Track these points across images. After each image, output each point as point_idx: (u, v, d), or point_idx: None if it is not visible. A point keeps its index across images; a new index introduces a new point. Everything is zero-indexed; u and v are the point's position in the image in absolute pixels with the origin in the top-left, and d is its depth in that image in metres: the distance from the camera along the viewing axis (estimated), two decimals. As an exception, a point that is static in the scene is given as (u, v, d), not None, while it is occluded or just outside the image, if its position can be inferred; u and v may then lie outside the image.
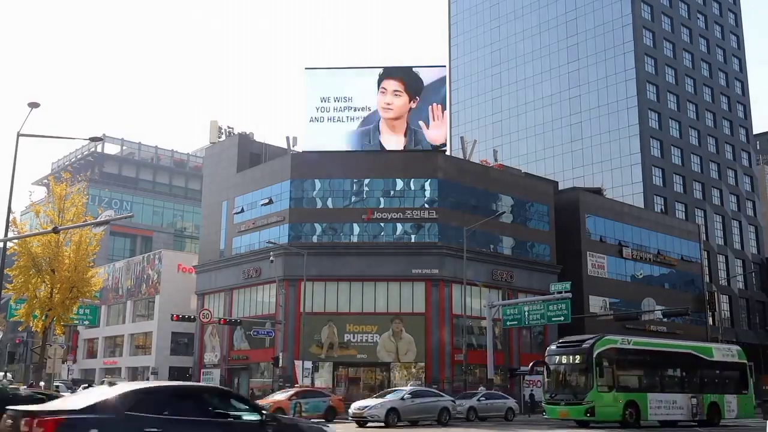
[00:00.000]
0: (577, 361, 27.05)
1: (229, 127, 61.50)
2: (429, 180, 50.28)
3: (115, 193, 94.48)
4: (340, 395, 39.15)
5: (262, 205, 52.04)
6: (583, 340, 27.69)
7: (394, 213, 49.66)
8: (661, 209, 70.18)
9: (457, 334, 47.67)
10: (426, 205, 49.89)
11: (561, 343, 29.19)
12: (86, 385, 44.67)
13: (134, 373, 65.54)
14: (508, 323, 43.87)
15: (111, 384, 13.78)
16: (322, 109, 52.58)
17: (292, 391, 32.89)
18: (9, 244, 31.04)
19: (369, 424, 28.21)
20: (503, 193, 53.94)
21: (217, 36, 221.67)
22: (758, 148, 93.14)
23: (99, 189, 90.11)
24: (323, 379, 47.19)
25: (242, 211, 54.56)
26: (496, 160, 62.44)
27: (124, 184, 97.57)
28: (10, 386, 26.90)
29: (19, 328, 64.05)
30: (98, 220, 41.57)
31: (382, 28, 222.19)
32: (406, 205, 49.84)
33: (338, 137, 52.19)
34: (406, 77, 52.52)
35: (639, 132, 70.64)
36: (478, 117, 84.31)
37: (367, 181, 50.43)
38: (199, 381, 53.83)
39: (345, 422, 29.58)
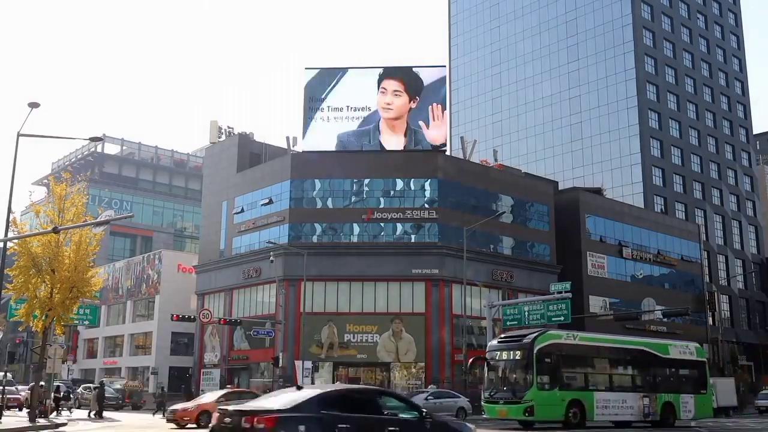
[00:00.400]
0: (517, 357, 25.46)
1: (229, 127, 61.52)
2: (429, 180, 50.28)
3: (115, 193, 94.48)
4: None
5: (262, 205, 52.05)
6: (524, 335, 26.34)
7: (394, 213, 49.66)
8: (661, 209, 70.18)
9: (457, 334, 47.68)
10: (426, 205, 49.90)
11: (502, 338, 27.72)
12: (87, 385, 44.70)
13: (134, 374, 65.54)
14: (508, 323, 43.77)
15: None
16: (322, 109, 52.64)
17: (221, 393, 30.75)
18: (9, 244, 31.02)
19: None
20: (503, 193, 53.95)
21: (217, 36, 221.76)
22: (758, 148, 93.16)
23: (99, 189, 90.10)
24: (323, 379, 47.20)
25: (242, 211, 54.58)
26: (496, 160, 62.43)
27: (124, 184, 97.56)
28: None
29: (19, 328, 64.04)
30: (98, 220, 41.55)
31: (382, 28, 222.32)
32: (406, 205, 49.85)
33: (338, 137, 52.22)
34: (406, 77, 52.54)
35: (639, 132, 70.65)
36: (478, 117, 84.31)
37: (367, 181, 50.43)
38: (199, 381, 53.86)
39: None
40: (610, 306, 58.11)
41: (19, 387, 44.78)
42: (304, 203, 50.57)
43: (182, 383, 55.80)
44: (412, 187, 50.28)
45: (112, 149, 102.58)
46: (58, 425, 28.31)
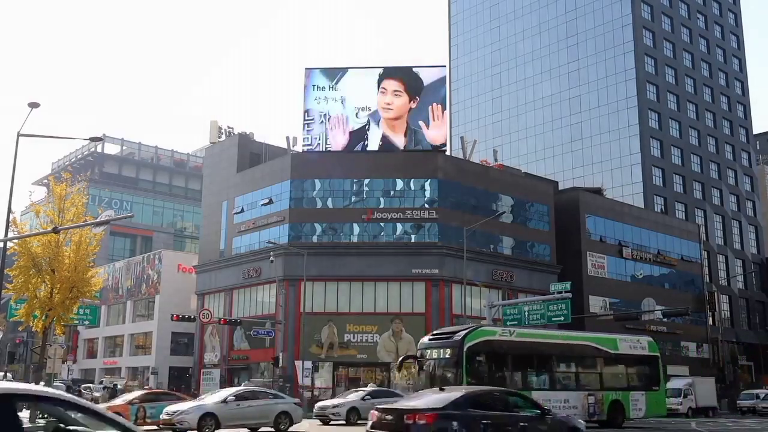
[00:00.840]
0: (446, 356, 23.68)
1: (229, 127, 61.54)
2: (429, 180, 50.28)
3: (115, 193, 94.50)
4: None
5: (262, 205, 52.06)
6: (456, 332, 24.60)
7: (394, 213, 49.66)
8: (661, 209, 70.17)
9: (457, 334, 47.64)
10: (426, 205, 49.90)
11: (434, 335, 25.76)
12: (87, 385, 44.71)
13: (134, 374, 65.54)
14: (508, 323, 43.64)
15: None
16: (322, 109, 52.74)
17: (136, 394, 28.77)
18: (9, 244, 31.02)
19: None
20: (503, 193, 53.95)
21: (218, 36, 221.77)
22: (758, 148, 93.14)
23: (99, 189, 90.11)
24: (323, 379, 47.21)
25: (242, 211, 54.58)
26: (496, 160, 62.43)
27: (124, 184, 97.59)
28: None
29: (19, 328, 64.08)
30: (98, 220, 41.55)
31: (382, 28, 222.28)
32: (406, 205, 49.86)
33: (338, 137, 52.28)
34: (406, 77, 52.58)
35: (639, 132, 70.64)
36: (478, 117, 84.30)
37: (367, 181, 50.44)
38: (198, 381, 53.86)
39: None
40: (610, 306, 58.10)
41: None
42: (304, 203, 50.57)
43: (182, 383, 55.81)
44: (412, 187, 50.28)
45: (112, 149, 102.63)
46: None
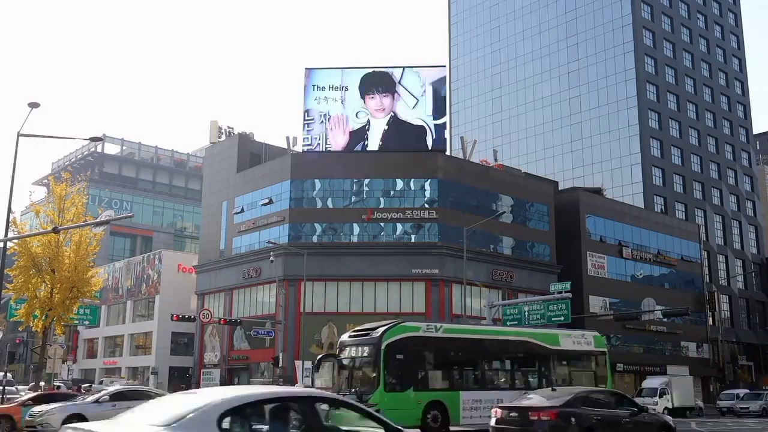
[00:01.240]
0: (365, 354, 22.15)
1: (229, 127, 61.55)
2: (429, 180, 50.29)
3: (115, 193, 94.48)
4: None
5: (262, 205, 52.07)
6: (375, 328, 22.87)
7: (394, 213, 49.67)
8: (661, 209, 70.18)
9: (457, 334, 47.63)
10: (426, 205, 49.91)
11: (354, 331, 23.99)
12: (88, 385, 44.70)
13: (134, 374, 65.53)
14: (508, 323, 43.73)
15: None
16: (322, 109, 52.79)
17: (27, 396, 26.41)
18: (9, 244, 31.04)
19: None
20: (503, 193, 53.95)
21: (217, 36, 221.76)
22: (758, 148, 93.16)
23: (99, 189, 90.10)
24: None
25: (242, 211, 54.59)
26: (496, 160, 62.45)
27: (124, 184, 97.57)
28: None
29: (19, 328, 64.08)
30: (98, 220, 41.57)
31: (383, 28, 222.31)
32: (406, 205, 49.86)
33: (338, 137, 52.32)
34: (394, 88, 53.09)
35: (639, 132, 70.64)
36: (478, 117, 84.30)
37: (367, 181, 50.45)
38: (198, 381, 53.87)
39: None
40: (610, 306, 58.11)
41: (19, 387, 44.75)
42: (304, 203, 50.57)
43: (182, 383, 55.82)
44: (412, 187, 50.30)
45: (112, 149, 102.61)
46: None
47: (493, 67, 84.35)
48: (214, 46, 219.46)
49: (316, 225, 50.23)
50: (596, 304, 57.05)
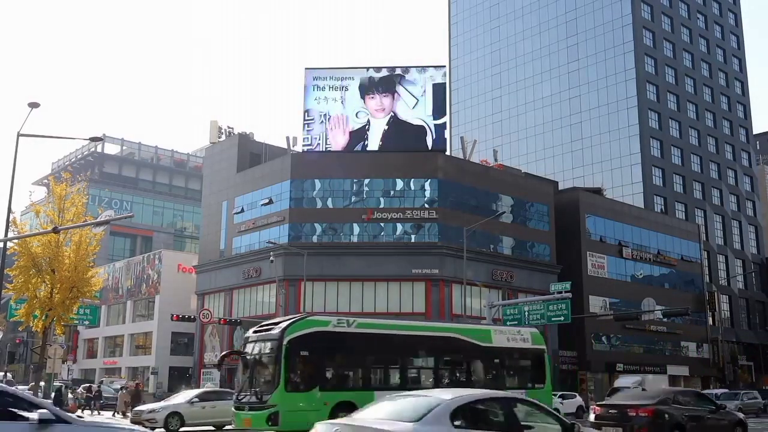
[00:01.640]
0: (266, 351, 20.25)
1: (229, 127, 61.56)
2: (429, 180, 50.30)
3: (115, 193, 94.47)
4: None
5: (262, 205, 52.07)
6: (279, 322, 21.06)
7: (394, 213, 49.67)
8: (661, 209, 70.19)
9: (457, 334, 47.62)
10: (426, 205, 49.91)
11: (261, 326, 22.17)
12: (86, 385, 44.72)
13: (134, 374, 65.54)
14: (508, 323, 43.72)
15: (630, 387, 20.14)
16: (322, 109, 52.81)
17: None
18: (9, 244, 31.05)
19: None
20: (503, 193, 53.96)
21: (218, 36, 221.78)
22: (758, 148, 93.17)
23: (99, 189, 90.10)
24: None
25: (242, 211, 54.60)
26: (496, 160, 62.47)
27: (124, 184, 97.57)
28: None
29: (19, 328, 64.07)
30: (98, 220, 41.57)
31: (383, 28, 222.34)
32: (406, 205, 49.87)
33: (338, 137, 52.34)
34: (394, 88, 53.04)
35: (639, 132, 70.65)
36: (478, 117, 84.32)
37: (367, 181, 50.46)
38: (198, 381, 53.90)
39: None
40: (610, 306, 58.13)
41: (19, 387, 44.75)
42: (304, 203, 50.58)
43: (182, 383, 55.80)
44: (412, 187, 50.30)
45: (112, 149, 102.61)
46: None
47: (493, 67, 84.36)
48: (214, 46, 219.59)
49: (316, 225, 50.23)
50: (596, 304, 57.07)
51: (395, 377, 22.71)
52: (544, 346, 25.98)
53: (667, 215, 68.97)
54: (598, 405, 18.89)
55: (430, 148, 52.25)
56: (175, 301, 60.62)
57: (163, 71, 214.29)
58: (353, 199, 50.46)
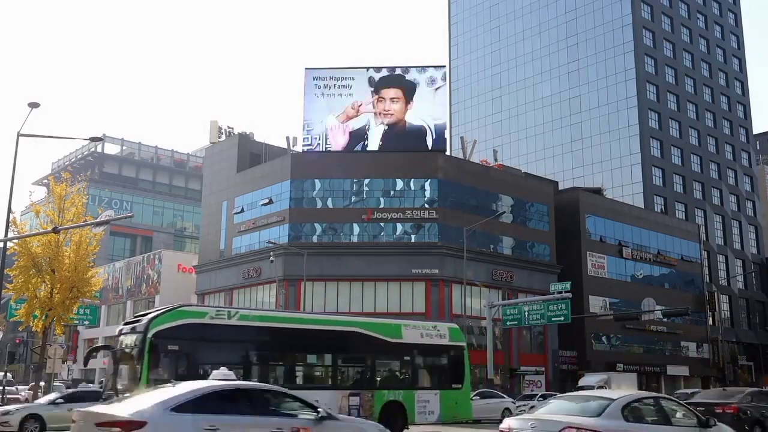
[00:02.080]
0: (131, 345, 17.97)
1: (229, 127, 61.56)
2: (429, 180, 50.30)
3: (115, 193, 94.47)
4: None
5: (262, 205, 52.08)
6: (149, 313, 19.08)
7: (394, 213, 49.68)
8: (661, 209, 70.19)
9: (457, 334, 47.61)
10: (426, 205, 49.92)
11: (133, 317, 19.99)
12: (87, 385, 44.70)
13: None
14: (508, 323, 43.87)
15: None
16: (322, 109, 52.81)
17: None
18: (9, 244, 31.04)
19: None
20: (503, 193, 53.96)
21: (218, 36, 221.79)
22: (758, 148, 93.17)
23: (99, 189, 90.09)
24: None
25: (242, 211, 54.61)
26: (496, 160, 62.47)
27: (124, 184, 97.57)
28: None
29: (19, 328, 64.02)
30: (98, 220, 41.54)
31: (382, 28, 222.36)
32: (406, 205, 49.87)
33: (338, 137, 52.34)
34: (403, 83, 52.86)
35: (639, 132, 70.66)
36: (478, 117, 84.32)
37: (367, 181, 50.47)
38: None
39: None
40: (610, 306, 58.13)
41: (19, 387, 44.75)
42: (304, 203, 50.59)
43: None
44: (412, 187, 50.30)
45: (112, 149, 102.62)
46: None
47: (493, 67, 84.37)
48: (214, 46, 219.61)
49: (316, 225, 50.24)
50: (596, 304, 57.07)
51: (284, 375, 20.40)
52: (463, 343, 23.79)
53: (667, 215, 68.98)
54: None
55: (430, 148, 52.24)
56: (175, 301, 59.87)
57: (163, 71, 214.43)
58: (353, 199, 50.46)
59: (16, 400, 35.15)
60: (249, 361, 19.82)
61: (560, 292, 40.27)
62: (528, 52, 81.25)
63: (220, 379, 10.96)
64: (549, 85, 78.27)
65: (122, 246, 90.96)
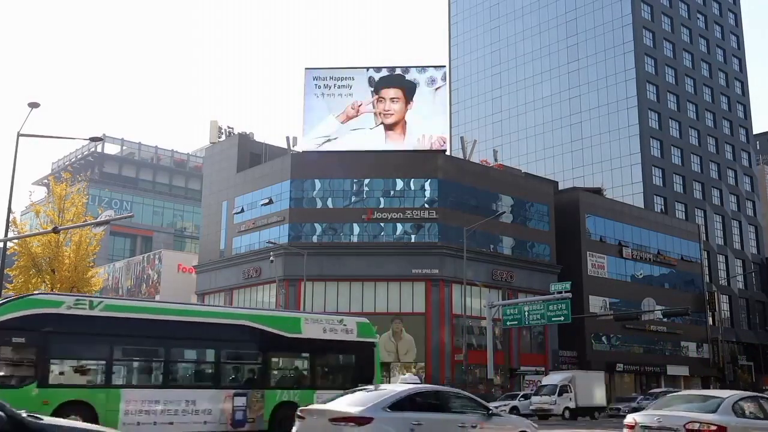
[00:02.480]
0: None
1: (229, 127, 61.55)
2: (429, 180, 50.30)
3: (115, 193, 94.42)
4: None
5: (262, 205, 52.07)
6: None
7: (394, 213, 49.68)
8: (661, 209, 70.20)
9: (457, 334, 47.69)
10: (426, 205, 49.92)
11: None
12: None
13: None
14: (508, 323, 43.88)
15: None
16: (322, 109, 52.78)
17: None
18: (9, 244, 31.06)
19: None
20: (503, 193, 53.96)
21: (218, 36, 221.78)
22: (758, 148, 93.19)
23: (99, 189, 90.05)
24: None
25: (242, 211, 54.60)
26: (496, 160, 62.47)
27: (124, 184, 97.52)
28: None
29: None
30: (98, 220, 41.56)
31: (382, 28, 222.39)
32: (406, 205, 49.87)
33: (338, 137, 52.31)
34: (403, 83, 52.79)
35: (639, 132, 70.67)
36: (478, 117, 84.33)
37: (367, 181, 50.46)
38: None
39: None
40: (610, 306, 58.13)
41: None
42: (304, 203, 50.59)
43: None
44: (412, 187, 50.30)
45: (112, 149, 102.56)
46: None
47: (493, 67, 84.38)
48: (214, 46, 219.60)
49: (316, 225, 50.24)
50: (596, 304, 57.07)
51: (156, 372, 18.43)
52: (374, 339, 21.81)
53: (667, 215, 68.98)
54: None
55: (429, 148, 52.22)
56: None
57: (163, 71, 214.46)
58: (353, 199, 50.46)
59: None
60: (114, 356, 17.71)
61: (560, 292, 40.27)
62: (528, 52, 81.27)
63: (409, 382, 12.94)
64: (549, 85, 78.28)
65: (122, 246, 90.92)
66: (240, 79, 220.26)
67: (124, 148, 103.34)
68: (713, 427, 11.35)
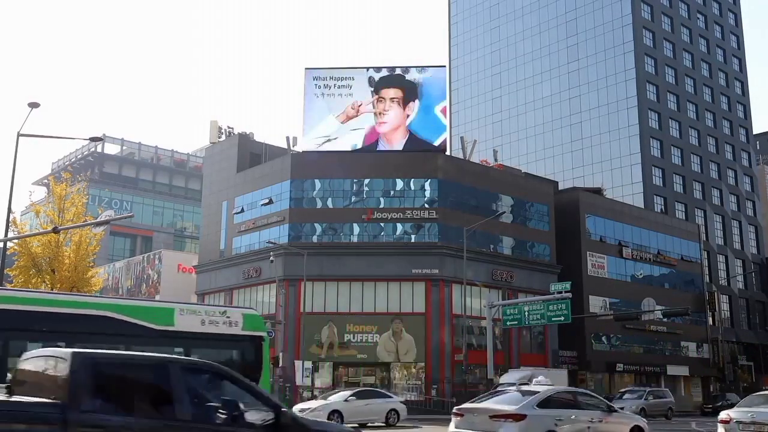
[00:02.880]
0: None
1: (229, 127, 61.54)
2: (429, 180, 50.30)
3: (115, 193, 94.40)
4: None
5: (262, 205, 52.07)
6: None
7: (394, 213, 49.68)
8: (661, 209, 70.20)
9: (457, 334, 47.69)
10: (426, 205, 49.92)
11: None
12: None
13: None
14: (508, 323, 43.84)
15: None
16: (322, 109, 52.80)
17: None
18: (9, 244, 31.06)
19: None
20: (503, 193, 53.96)
21: (218, 36, 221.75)
22: (758, 148, 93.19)
23: (99, 189, 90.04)
24: (323, 380, 47.21)
25: (242, 211, 54.60)
26: (496, 160, 62.46)
27: (124, 184, 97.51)
28: None
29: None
30: (98, 220, 41.56)
31: (382, 28, 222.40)
32: (406, 205, 49.87)
33: (338, 137, 52.33)
34: (403, 84, 52.77)
35: (639, 132, 70.67)
36: (478, 117, 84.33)
37: (367, 181, 50.46)
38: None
39: None
40: (610, 306, 58.12)
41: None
42: (304, 203, 50.59)
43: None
44: (412, 187, 50.31)
45: (112, 149, 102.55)
46: None
47: (493, 67, 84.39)
48: (214, 46, 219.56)
49: (316, 225, 50.24)
50: (596, 304, 57.06)
51: None
52: (262, 333, 19.40)
53: (667, 215, 68.98)
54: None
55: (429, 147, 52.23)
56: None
57: (163, 71, 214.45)
58: (353, 199, 50.46)
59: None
60: None
61: (560, 292, 40.22)
62: (528, 52, 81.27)
63: (543, 384, 15.86)
64: (549, 85, 78.28)
65: (122, 246, 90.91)
66: (240, 79, 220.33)
67: (124, 148, 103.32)
68: None
